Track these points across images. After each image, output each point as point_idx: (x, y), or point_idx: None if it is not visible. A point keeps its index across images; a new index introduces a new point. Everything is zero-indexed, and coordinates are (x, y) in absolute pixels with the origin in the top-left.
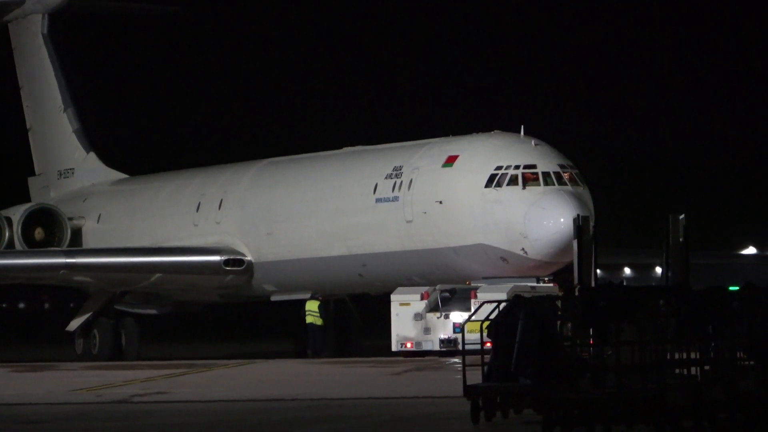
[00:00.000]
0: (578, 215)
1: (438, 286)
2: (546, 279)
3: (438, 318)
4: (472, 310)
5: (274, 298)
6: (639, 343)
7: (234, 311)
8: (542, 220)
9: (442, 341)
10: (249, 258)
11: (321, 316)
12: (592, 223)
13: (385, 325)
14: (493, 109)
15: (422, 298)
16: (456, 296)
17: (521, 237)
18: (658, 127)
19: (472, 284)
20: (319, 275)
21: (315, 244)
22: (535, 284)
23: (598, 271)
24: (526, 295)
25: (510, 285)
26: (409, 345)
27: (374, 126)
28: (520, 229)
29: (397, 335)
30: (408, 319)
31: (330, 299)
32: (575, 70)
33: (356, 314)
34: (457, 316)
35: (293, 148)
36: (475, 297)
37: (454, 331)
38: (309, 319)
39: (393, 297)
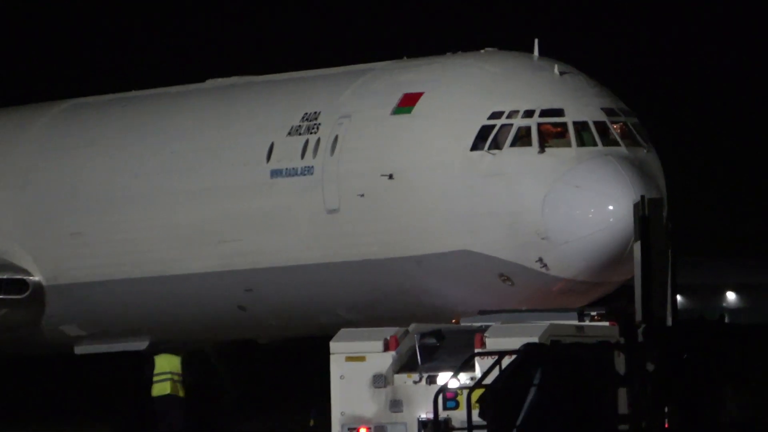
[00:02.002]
0: (642, 198)
1: (412, 326)
2: (595, 314)
3: (416, 383)
4: (477, 367)
5: (80, 349)
6: (752, 426)
7: (11, 371)
8: (575, 207)
9: (422, 424)
10: (36, 278)
11: (184, 382)
12: (665, 213)
13: (285, 395)
14: (485, 11)
15: (387, 348)
16: (447, 343)
17: (537, 238)
18: None
19: (475, 323)
20: (168, 308)
21: (160, 253)
22: (580, 322)
23: (679, 297)
24: (567, 340)
25: (544, 324)
26: (364, 431)
27: (265, 40)
28: (535, 223)
29: (343, 414)
30: (362, 386)
31: (179, 351)
32: None
33: (227, 376)
34: (451, 380)
35: (118, 81)
36: (482, 345)
37: (445, 407)
38: (161, 389)
39: (334, 345)
